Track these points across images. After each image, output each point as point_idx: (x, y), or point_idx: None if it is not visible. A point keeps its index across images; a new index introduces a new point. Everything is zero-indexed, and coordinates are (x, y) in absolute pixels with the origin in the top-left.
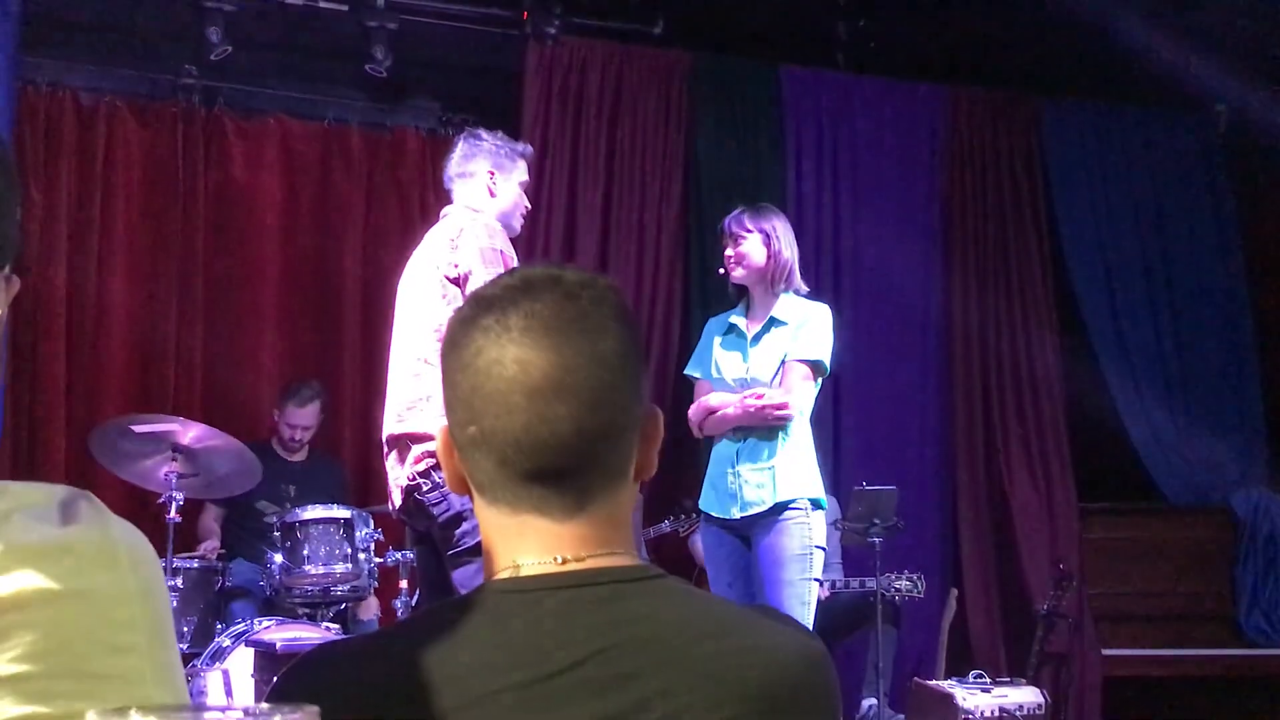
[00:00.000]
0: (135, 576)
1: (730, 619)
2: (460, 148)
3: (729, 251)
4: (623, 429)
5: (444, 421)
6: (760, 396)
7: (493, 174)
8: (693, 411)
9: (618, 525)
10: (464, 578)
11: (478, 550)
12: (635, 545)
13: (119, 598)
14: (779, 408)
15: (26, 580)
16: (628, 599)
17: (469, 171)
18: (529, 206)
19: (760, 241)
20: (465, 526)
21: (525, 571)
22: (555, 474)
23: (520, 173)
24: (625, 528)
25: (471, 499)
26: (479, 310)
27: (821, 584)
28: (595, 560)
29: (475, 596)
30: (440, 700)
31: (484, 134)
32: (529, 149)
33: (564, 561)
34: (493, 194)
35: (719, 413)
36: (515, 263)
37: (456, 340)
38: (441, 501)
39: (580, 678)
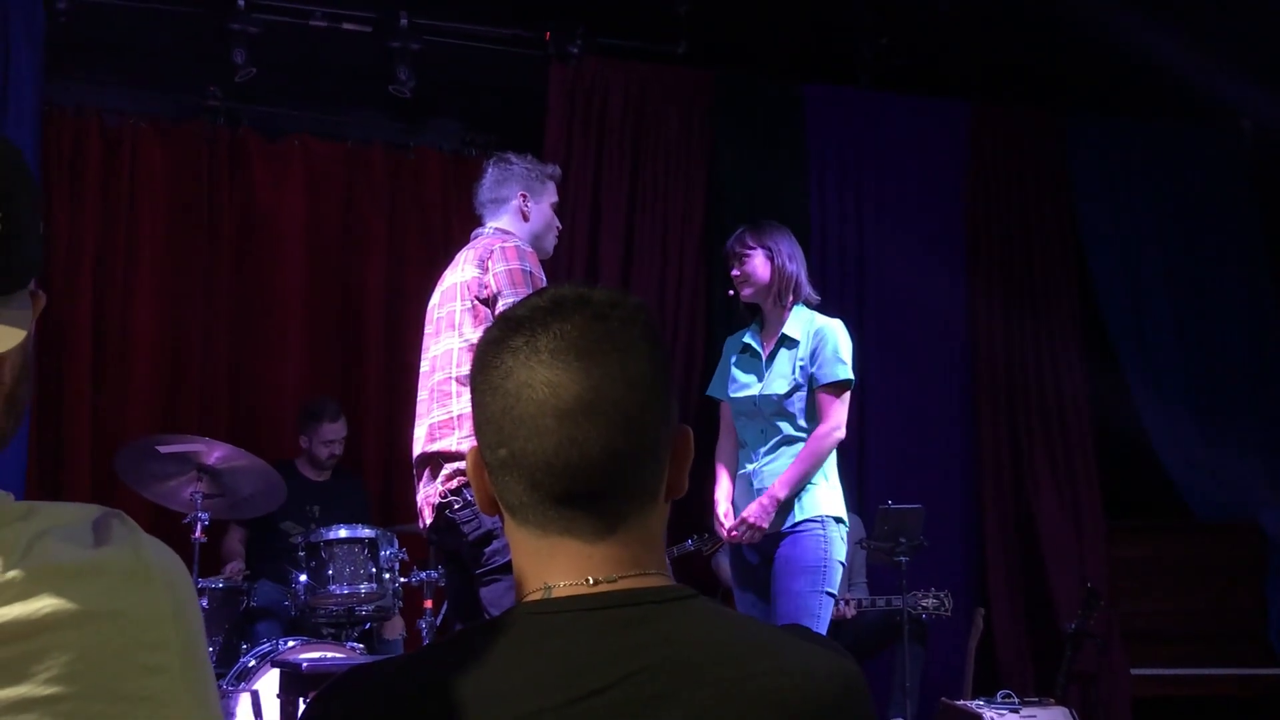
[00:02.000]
0: (168, 596)
1: (764, 640)
2: (491, 173)
3: (734, 272)
4: (654, 449)
5: (474, 442)
6: (737, 527)
7: (525, 197)
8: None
9: (650, 546)
10: (492, 596)
11: (507, 569)
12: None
13: (151, 619)
14: (756, 523)
15: (60, 602)
16: (660, 620)
17: (502, 197)
18: (560, 227)
19: (763, 258)
20: (495, 545)
21: (557, 593)
22: (586, 496)
23: (551, 194)
24: (658, 548)
25: (502, 520)
26: (508, 332)
27: (842, 601)
28: (628, 581)
29: (507, 619)
30: None
31: (514, 158)
32: (557, 170)
33: (596, 583)
34: (526, 218)
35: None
36: (545, 284)
37: (486, 362)
38: (473, 519)
39: (614, 700)
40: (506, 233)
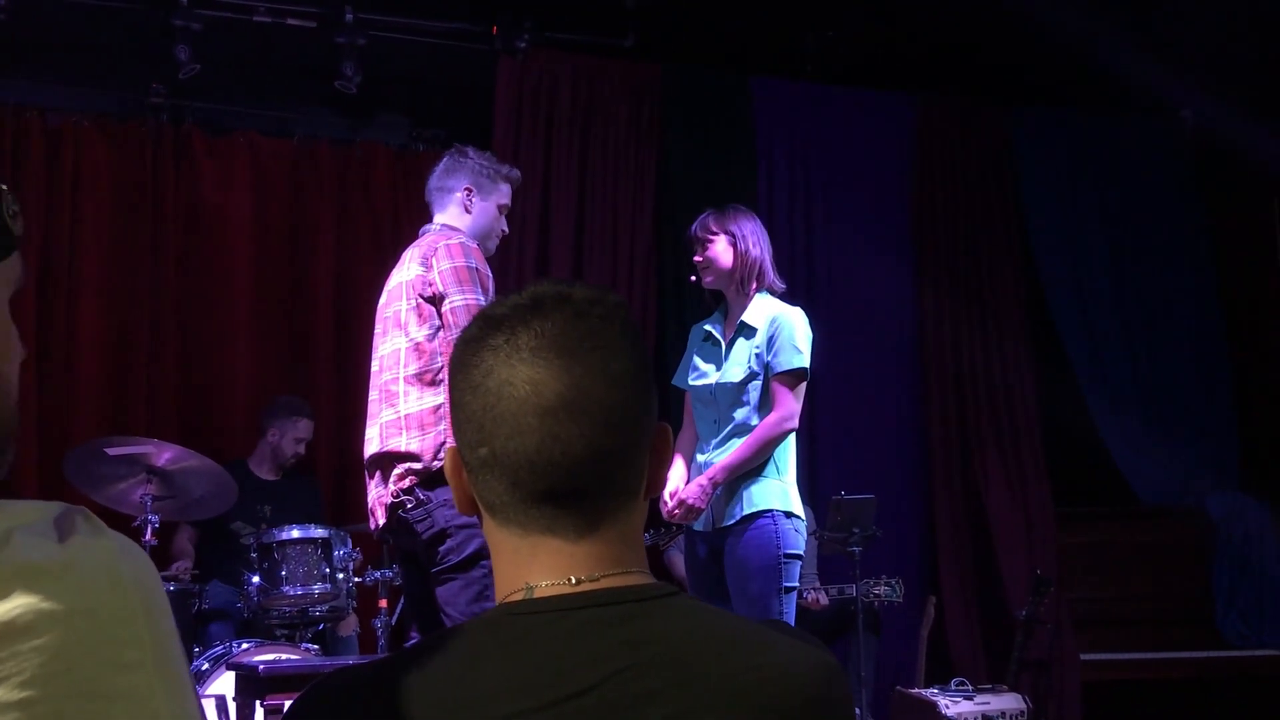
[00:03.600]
0: (137, 592)
1: (745, 636)
2: (444, 162)
3: (697, 258)
4: (636, 447)
5: (449, 442)
6: (673, 505)
7: (470, 191)
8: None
9: (631, 543)
10: (448, 595)
11: (462, 566)
12: None
13: (122, 615)
14: (689, 504)
15: (30, 601)
16: (643, 618)
17: (448, 187)
18: (505, 230)
19: (726, 244)
20: (450, 543)
21: (539, 593)
22: (568, 494)
23: (501, 195)
24: (638, 546)
25: (480, 521)
26: (487, 330)
27: (809, 591)
28: (610, 580)
29: (488, 619)
30: None
31: (471, 152)
32: (516, 173)
33: (578, 582)
34: (468, 210)
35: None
36: (492, 282)
37: (465, 361)
38: (426, 519)
39: (599, 699)
40: (452, 229)
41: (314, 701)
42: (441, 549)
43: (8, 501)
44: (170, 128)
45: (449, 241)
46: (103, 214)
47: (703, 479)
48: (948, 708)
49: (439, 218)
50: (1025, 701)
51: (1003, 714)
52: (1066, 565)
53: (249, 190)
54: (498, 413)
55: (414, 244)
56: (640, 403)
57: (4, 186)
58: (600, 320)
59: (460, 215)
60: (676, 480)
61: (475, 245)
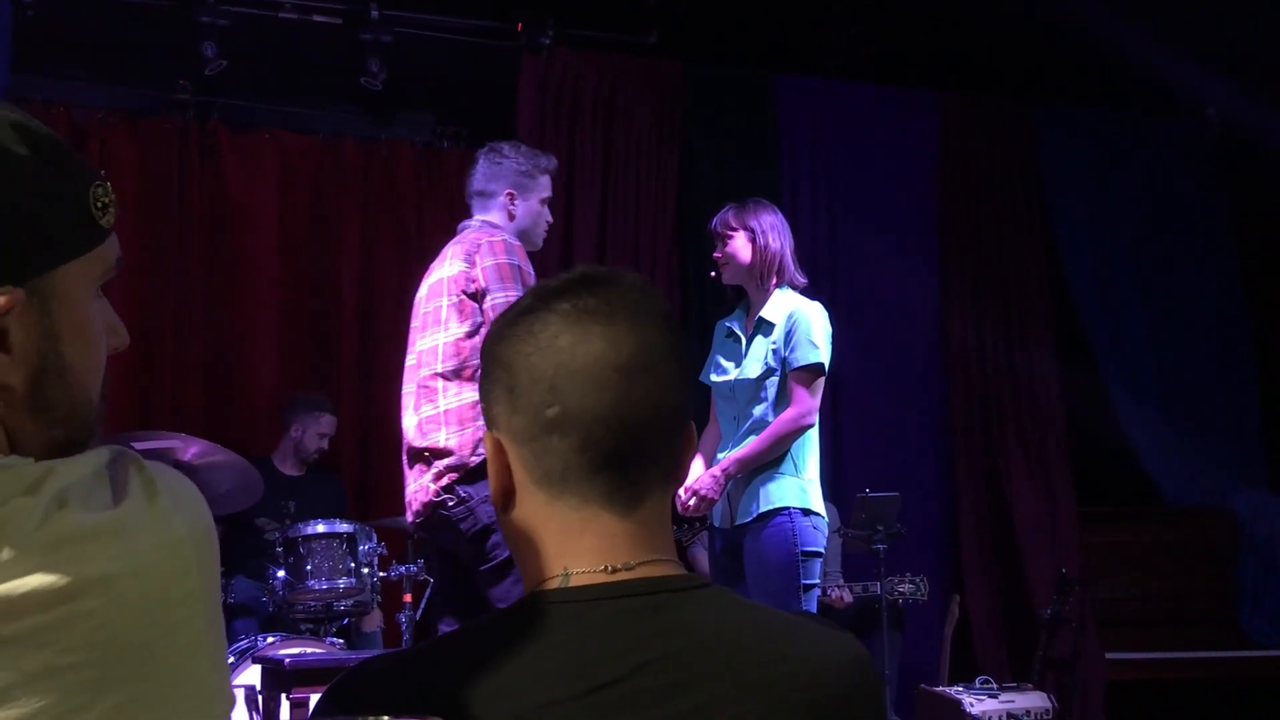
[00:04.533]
0: (191, 545)
1: (778, 627)
2: (481, 165)
3: (716, 253)
4: (685, 418)
5: (476, 432)
6: (687, 497)
7: (511, 195)
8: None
9: (665, 529)
10: (501, 592)
11: (512, 561)
12: None
13: (176, 572)
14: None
15: (80, 568)
16: (677, 609)
17: (489, 191)
18: (550, 220)
19: (745, 239)
20: (495, 538)
21: (574, 581)
22: (633, 456)
23: (542, 188)
24: (670, 534)
25: (513, 506)
26: (548, 298)
27: (833, 588)
28: (644, 569)
29: (523, 607)
30: (492, 713)
31: (507, 150)
32: (553, 162)
33: (614, 570)
34: (512, 216)
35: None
36: (533, 279)
37: (526, 327)
38: (468, 516)
39: (633, 688)
40: (494, 226)
41: (349, 688)
42: (488, 545)
43: (66, 460)
44: (196, 124)
45: (492, 239)
46: (128, 209)
47: (715, 469)
48: (972, 706)
49: (479, 215)
50: (1050, 700)
51: (1027, 712)
52: (1091, 564)
53: (274, 187)
54: (573, 369)
55: (455, 240)
56: (687, 376)
57: (101, 174)
58: (655, 297)
59: (504, 218)
60: (693, 476)
61: (518, 243)
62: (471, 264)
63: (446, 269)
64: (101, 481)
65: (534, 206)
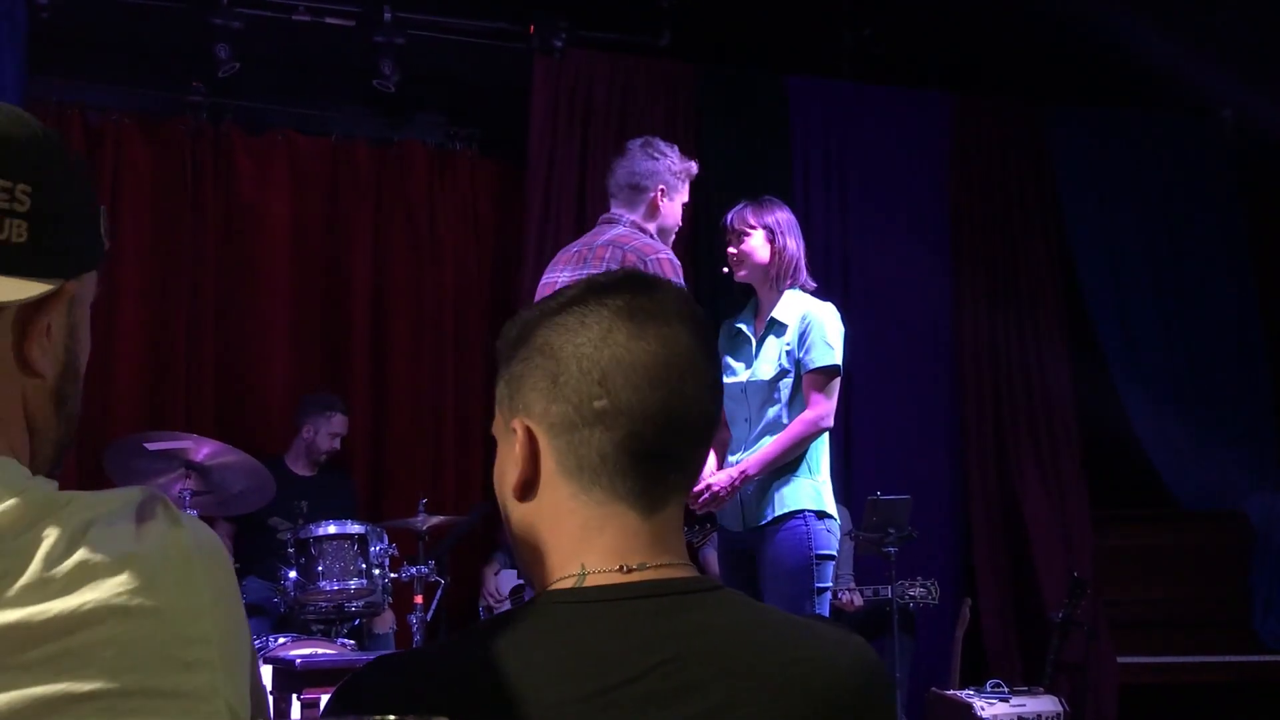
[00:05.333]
0: (209, 587)
1: (789, 629)
2: (637, 158)
3: (731, 249)
4: (716, 425)
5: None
6: (700, 489)
7: (663, 191)
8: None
9: (679, 533)
10: None
11: None
12: None
13: (192, 611)
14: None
15: (102, 597)
16: (689, 610)
17: (642, 185)
18: (680, 225)
19: (764, 238)
20: None
21: (589, 581)
22: (669, 456)
23: (684, 193)
24: (682, 537)
25: (532, 497)
26: (599, 293)
27: (845, 592)
28: (658, 571)
29: (536, 607)
30: (503, 713)
31: (663, 146)
32: (695, 166)
33: (628, 571)
34: (658, 214)
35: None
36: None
37: (580, 318)
38: None
39: (644, 689)
40: (641, 230)
41: (363, 685)
42: None
43: (88, 493)
44: (209, 126)
45: (659, 255)
46: (142, 211)
47: (734, 470)
48: (983, 709)
49: (625, 212)
50: (1061, 704)
51: (1039, 716)
52: (1103, 567)
53: (287, 188)
54: (628, 364)
55: (597, 236)
56: (722, 384)
57: (103, 207)
58: (694, 304)
59: (649, 214)
60: (706, 471)
61: (678, 261)
62: (634, 265)
63: (593, 269)
64: (128, 517)
65: (677, 209)
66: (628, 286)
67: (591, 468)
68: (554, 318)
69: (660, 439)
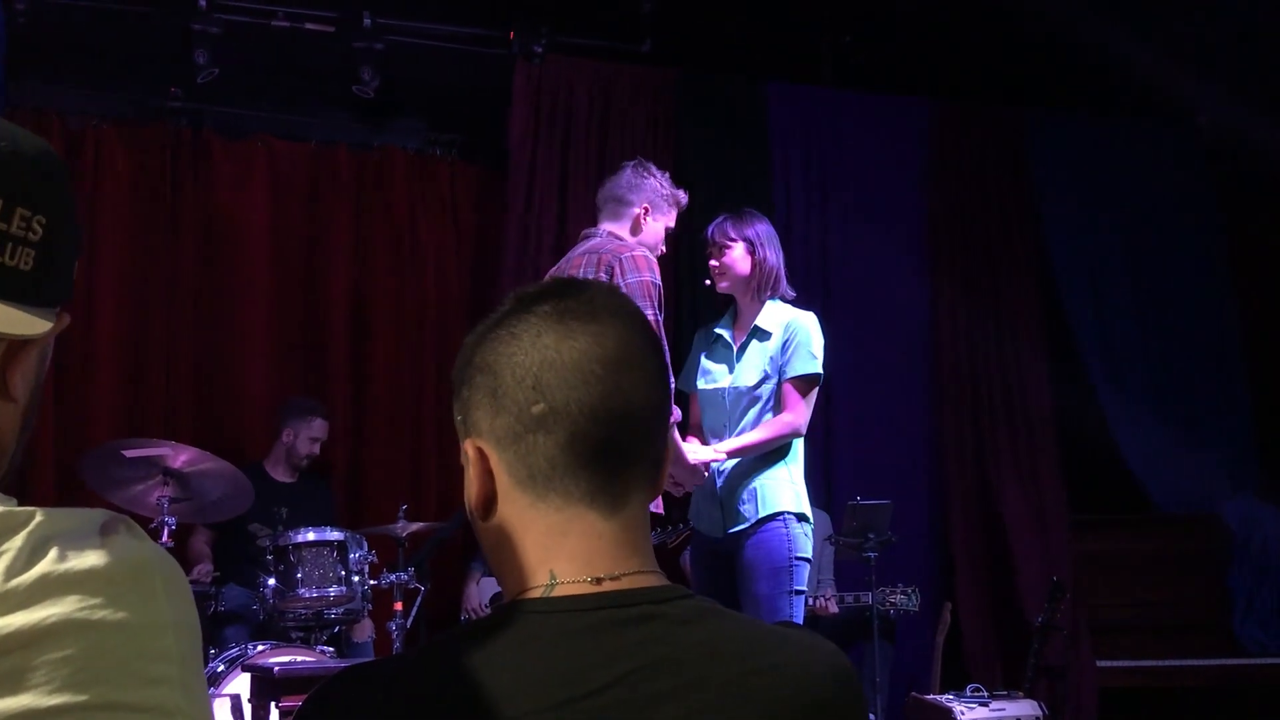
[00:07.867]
0: (170, 606)
1: (758, 637)
2: (627, 174)
3: (713, 261)
4: (667, 417)
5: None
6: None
7: (647, 210)
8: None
9: (644, 535)
10: None
11: None
12: None
13: (154, 628)
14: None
15: (63, 610)
16: (658, 620)
17: (627, 200)
18: (664, 251)
19: (744, 250)
20: None
21: (558, 591)
22: (617, 451)
23: (669, 219)
24: (649, 539)
25: (493, 514)
26: (527, 302)
27: (822, 598)
28: (628, 580)
29: (505, 617)
30: None
31: (655, 170)
32: (685, 197)
33: (599, 581)
34: (640, 228)
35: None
36: (662, 298)
37: (510, 329)
38: None
39: (615, 699)
40: (620, 239)
41: (329, 697)
42: None
43: (51, 509)
44: (188, 131)
45: (634, 253)
46: (121, 216)
47: (716, 446)
48: (963, 714)
49: (608, 226)
50: (1041, 708)
51: None
52: (1082, 572)
53: (266, 194)
54: (559, 365)
55: (582, 249)
56: (666, 375)
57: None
58: (627, 300)
59: (632, 230)
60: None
61: (656, 261)
62: (611, 275)
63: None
64: (90, 533)
65: (659, 231)
66: (554, 292)
67: (543, 474)
68: (488, 335)
69: (605, 435)
